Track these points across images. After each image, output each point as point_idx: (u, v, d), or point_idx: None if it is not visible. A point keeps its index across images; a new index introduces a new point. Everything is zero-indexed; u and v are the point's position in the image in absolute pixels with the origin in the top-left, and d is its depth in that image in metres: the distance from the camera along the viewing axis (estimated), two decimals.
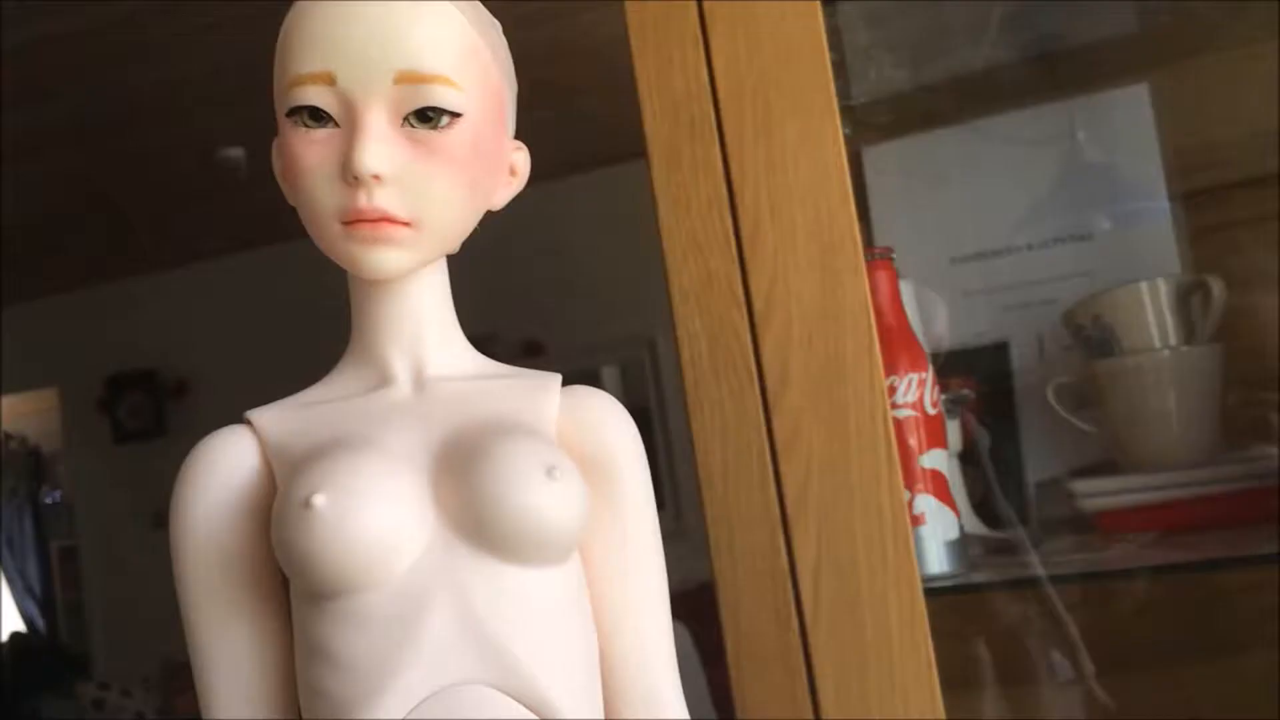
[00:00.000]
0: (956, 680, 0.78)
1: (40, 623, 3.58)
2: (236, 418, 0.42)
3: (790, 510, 0.67)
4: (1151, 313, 0.79)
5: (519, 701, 0.37)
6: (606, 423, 0.43)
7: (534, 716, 0.37)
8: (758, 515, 0.68)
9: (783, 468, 0.68)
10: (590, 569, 0.42)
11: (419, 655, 0.37)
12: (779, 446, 0.68)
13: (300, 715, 0.40)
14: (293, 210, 0.43)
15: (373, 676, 0.37)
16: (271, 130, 0.43)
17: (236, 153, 2.21)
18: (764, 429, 0.68)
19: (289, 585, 0.40)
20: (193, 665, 0.41)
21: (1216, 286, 0.79)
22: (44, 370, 3.13)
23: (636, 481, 0.43)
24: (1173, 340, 0.79)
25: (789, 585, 0.67)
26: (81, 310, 3.01)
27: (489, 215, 0.44)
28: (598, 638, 0.41)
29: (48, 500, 3.66)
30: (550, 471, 0.38)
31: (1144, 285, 0.81)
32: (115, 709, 2.81)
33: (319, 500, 0.36)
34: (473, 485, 0.38)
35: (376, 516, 0.37)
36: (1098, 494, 0.79)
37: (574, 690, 0.38)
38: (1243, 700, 0.87)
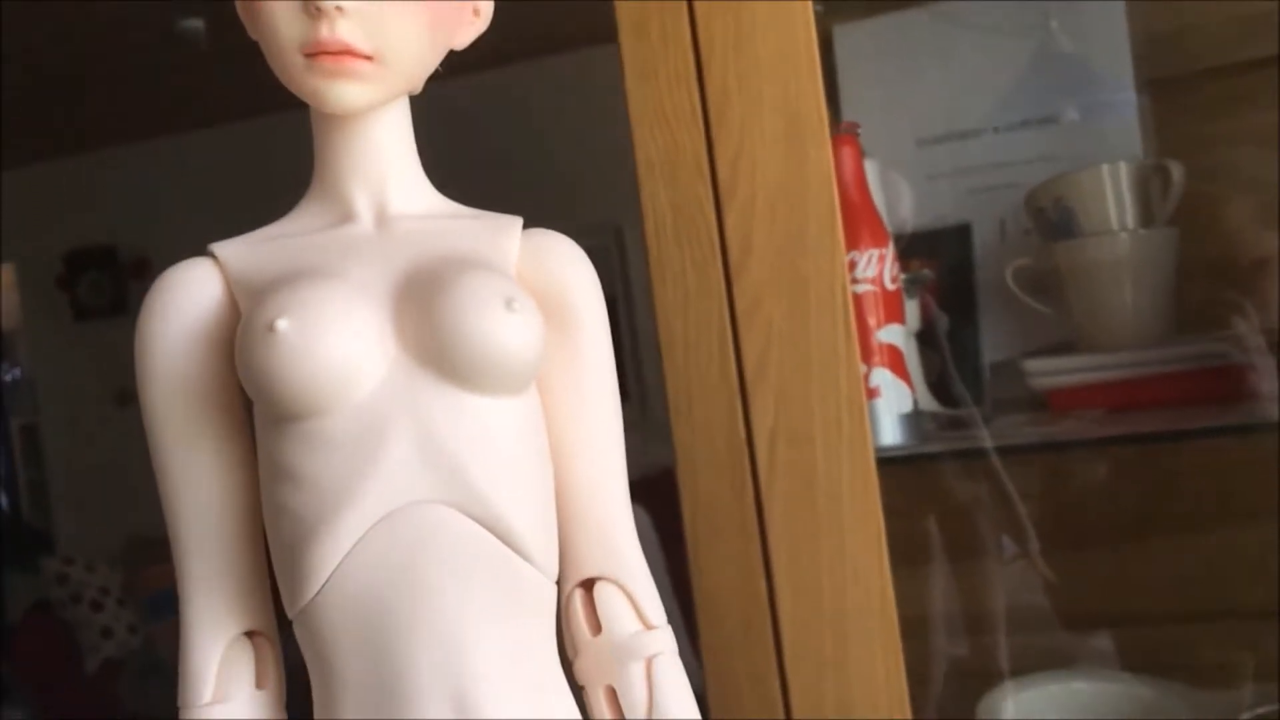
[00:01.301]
0: (907, 554, 0.80)
1: (3, 500, 3.58)
2: None
3: (749, 380, 0.69)
4: (1111, 196, 0.80)
5: (475, 521, 0.38)
6: (566, 264, 0.44)
7: (489, 534, 0.39)
8: (717, 385, 0.69)
9: (743, 338, 0.69)
10: (548, 405, 0.43)
11: (379, 475, 0.38)
12: (739, 317, 0.69)
13: (265, 535, 0.41)
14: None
15: (335, 494, 0.38)
16: None
17: (196, 24, 2.16)
18: (725, 300, 0.69)
19: (253, 411, 0.41)
20: (160, 492, 0.42)
21: (1176, 171, 0.80)
22: (1, 247, 3.08)
23: (595, 322, 0.43)
24: (1131, 223, 0.81)
25: (745, 454, 0.69)
26: (38, 186, 2.96)
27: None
28: (554, 471, 0.42)
29: (7, 378, 3.64)
30: (509, 303, 0.38)
31: (1105, 168, 0.81)
32: (79, 584, 2.83)
33: (282, 324, 0.37)
34: (432, 315, 0.38)
35: (338, 341, 0.38)
36: (1049, 373, 0.81)
37: (529, 515, 0.39)
38: (1194, 575, 0.90)
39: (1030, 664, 0.88)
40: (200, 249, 0.43)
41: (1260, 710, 0.79)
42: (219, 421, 0.41)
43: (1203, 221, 0.85)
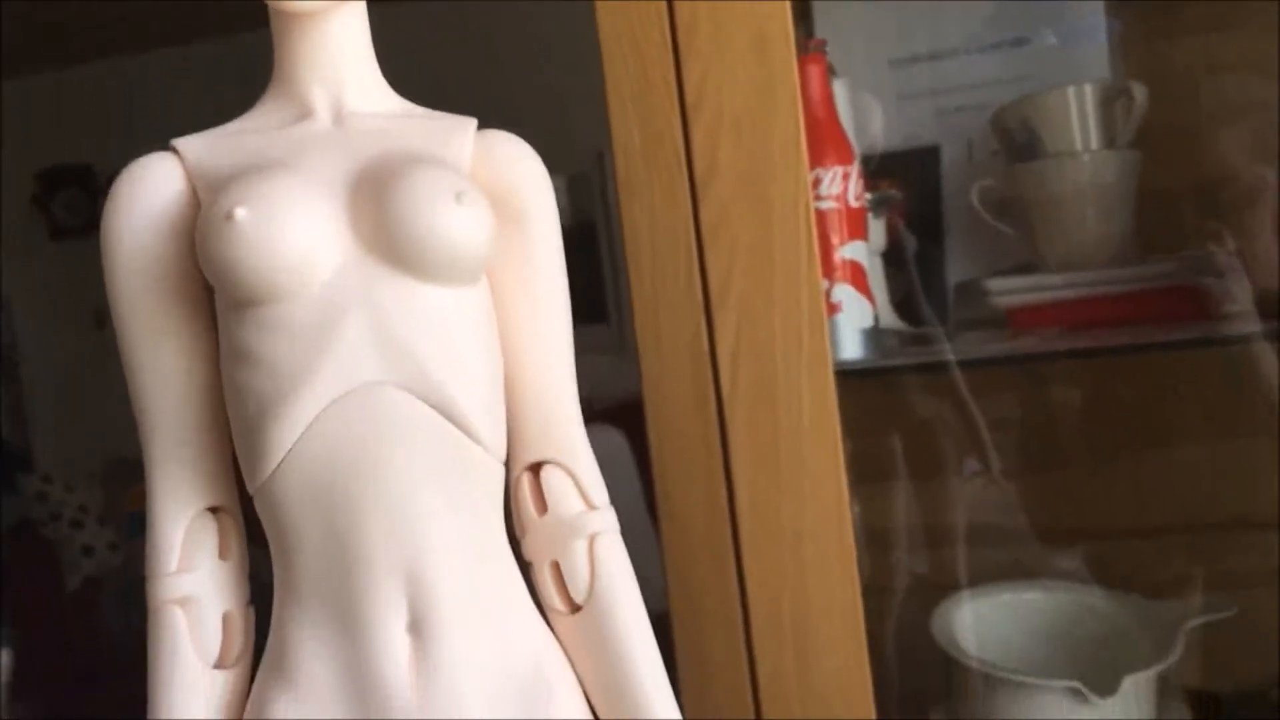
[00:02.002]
0: (869, 470, 0.82)
1: None
2: None
3: (713, 297, 0.70)
4: (1076, 117, 0.81)
5: (425, 403, 0.40)
6: (518, 164, 0.45)
7: (439, 415, 0.40)
8: (682, 301, 0.70)
9: (708, 256, 0.70)
10: (499, 298, 0.44)
11: (334, 357, 0.39)
12: (705, 235, 0.70)
13: (226, 418, 0.42)
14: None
15: (291, 375, 0.39)
16: None
17: None
18: (691, 218, 0.70)
19: (215, 299, 0.42)
20: (127, 377, 0.43)
21: (1139, 93, 0.81)
22: None
23: (545, 219, 0.45)
24: (1094, 145, 0.81)
25: (709, 369, 0.70)
26: (11, 102, 2.92)
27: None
28: (504, 361, 0.44)
29: None
30: (459, 196, 0.40)
31: (1070, 90, 0.82)
32: (58, 502, 2.84)
33: (240, 213, 0.38)
34: (385, 206, 0.40)
35: (295, 229, 0.39)
36: (1010, 291, 0.83)
37: (477, 399, 0.41)
38: (1150, 491, 0.93)
39: (988, 578, 0.91)
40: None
41: (1207, 617, 0.82)
42: (182, 310, 0.43)
43: (1166, 145, 0.86)
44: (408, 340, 0.40)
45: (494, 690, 0.41)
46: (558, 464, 0.45)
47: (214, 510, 0.44)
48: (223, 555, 0.44)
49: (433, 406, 0.40)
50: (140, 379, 0.43)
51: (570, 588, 0.44)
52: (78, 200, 3.05)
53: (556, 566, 0.44)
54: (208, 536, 0.44)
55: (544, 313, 0.45)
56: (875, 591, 0.74)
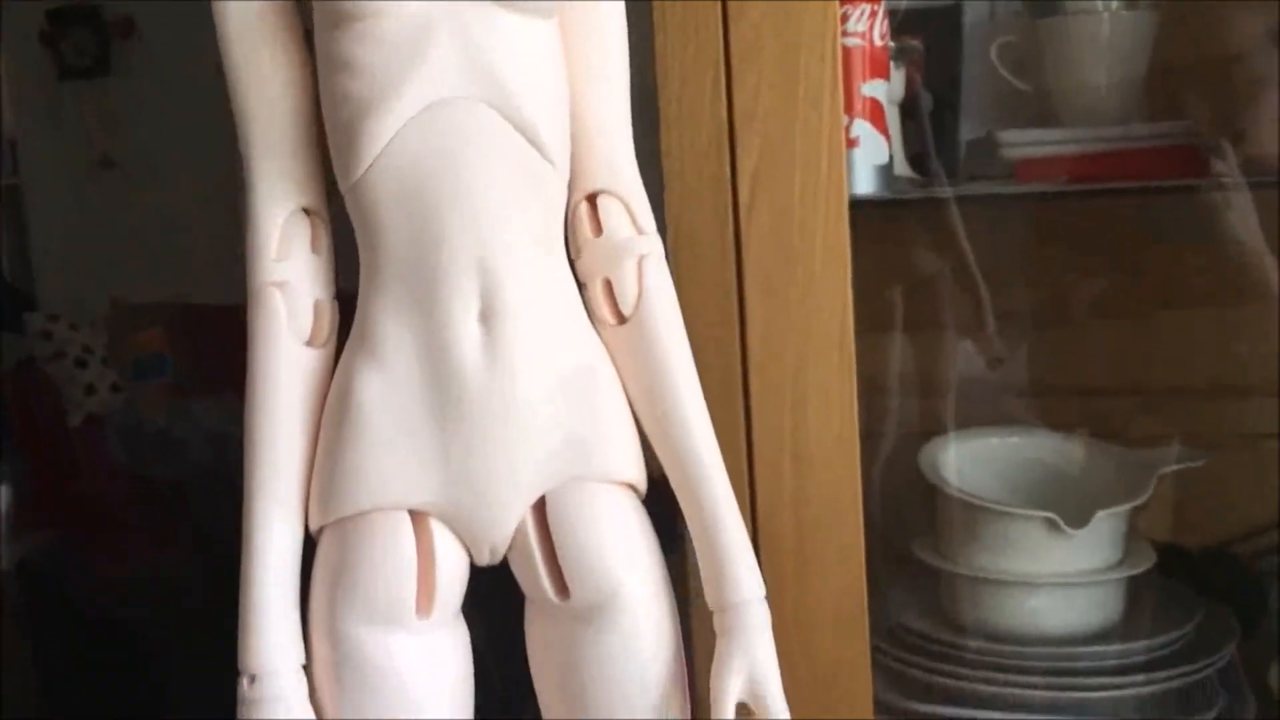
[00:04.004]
0: (871, 317, 0.85)
1: None
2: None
3: (737, 120, 0.73)
4: None
5: (505, 118, 0.44)
6: None
7: (517, 131, 0.44)
8: (707, 122, 0.73)
9: (735, 80, 0.72)
10: (568, 44, 0.48)
11: (425, 68, 0.44)
12: (734, 60, 0.72)
13: (320, 127, 0.46)
14: None
15: (385, 82, 0.44)
16: None
17: None
18: (722, 42, 0.72)
19: (313, 15, 0.46)
20: (230, 91, 0.47)
21: None
22: None
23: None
24: (1114, 4, 0.84)
25: (729, 188, 0.73)
26: None
27: None
28: (570, 101, 0.48)
29: None
30: None
31: None
32: (63, 340, 2.87)
33: None
34: None
35: None
36: (1019, 144, 0.86)
37: (549, 120, 0.46)
38: (1139, 352, 0.97)
39: (976, 424, 0.95)
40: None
41: (1180, 465, 0.87)
42: (282, 25, 0.46)
43: (1189, 14, 0.88)
44: (491, 60, 0.44)
45: (552, 383, 0.46)
46: (613, 193, 0.49)
47: (306, 212, 0.48)
48: (314, 250, 0.48)
49: (510, 121, 0.44)
50: (242, 89, 0.47)
51: (619, 302, 0.49)
52: (85, 41, 3.03)
53: (608, 283, 0.49)
54: (301, 231, 0.48)
55: (607, 58, 0.49)
56: (865, 436, 0.78)
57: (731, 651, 0.46)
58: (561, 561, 0.46)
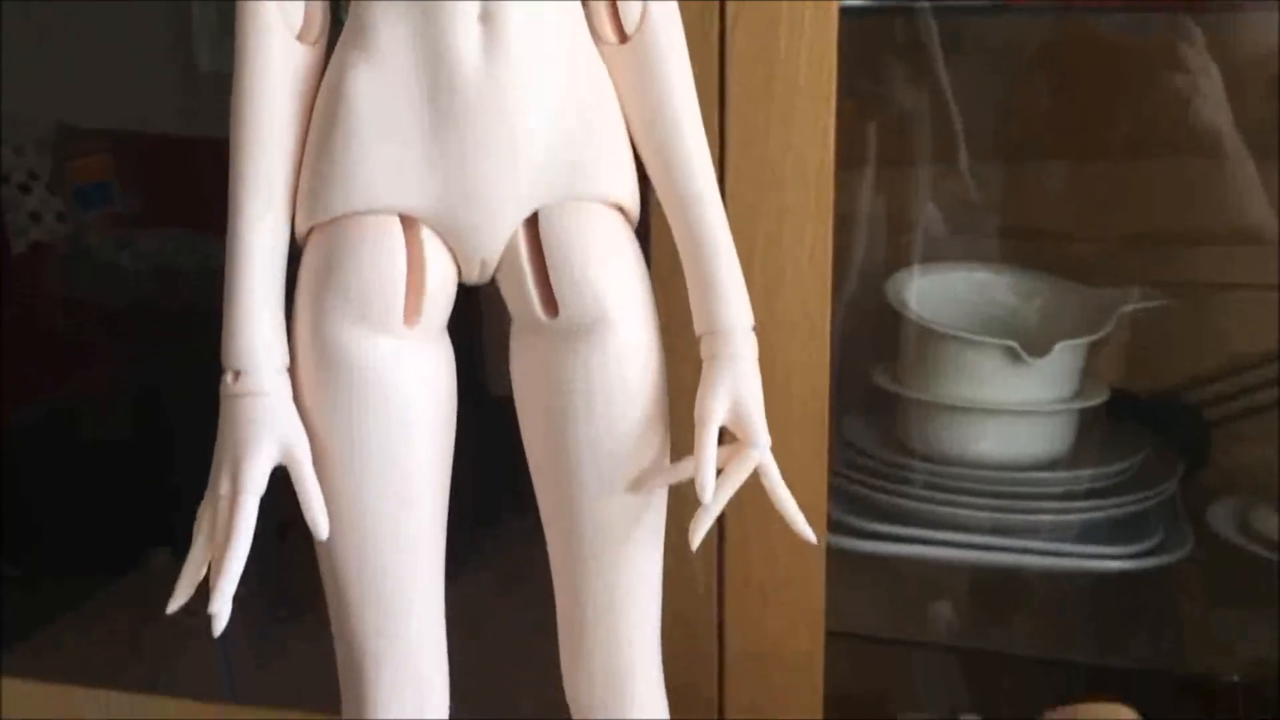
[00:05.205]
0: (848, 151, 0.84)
1: None
2: None
3: None
4: None
5: None
6: None
7: None
8: None
9: None
10: None
11: None
12: None
13: None
14: None
15: None
16: None
17: None
18: None
19: None
20: None
21: None
22: None
23: None
24: None
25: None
26: None
27: None
28: None
29: None
30: None
31: None
32: (8, 166, 2.80)
33: None
34: None
35: None
36: None
37: None
38: (1111, 197, 0.97)
39: (944, 259, 0.96)
40: None
41: (1141, 304, 0.88)
42: None
43: None
44: None
45: (551, 95, 0.45)
46: None
47: None
48: None
49: None
50: None
51: (623, 19, 0.47)
52: None
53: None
54: None
55: None
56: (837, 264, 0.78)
57: (718, 376, 0.46)
58: (552, 277, 0.45)
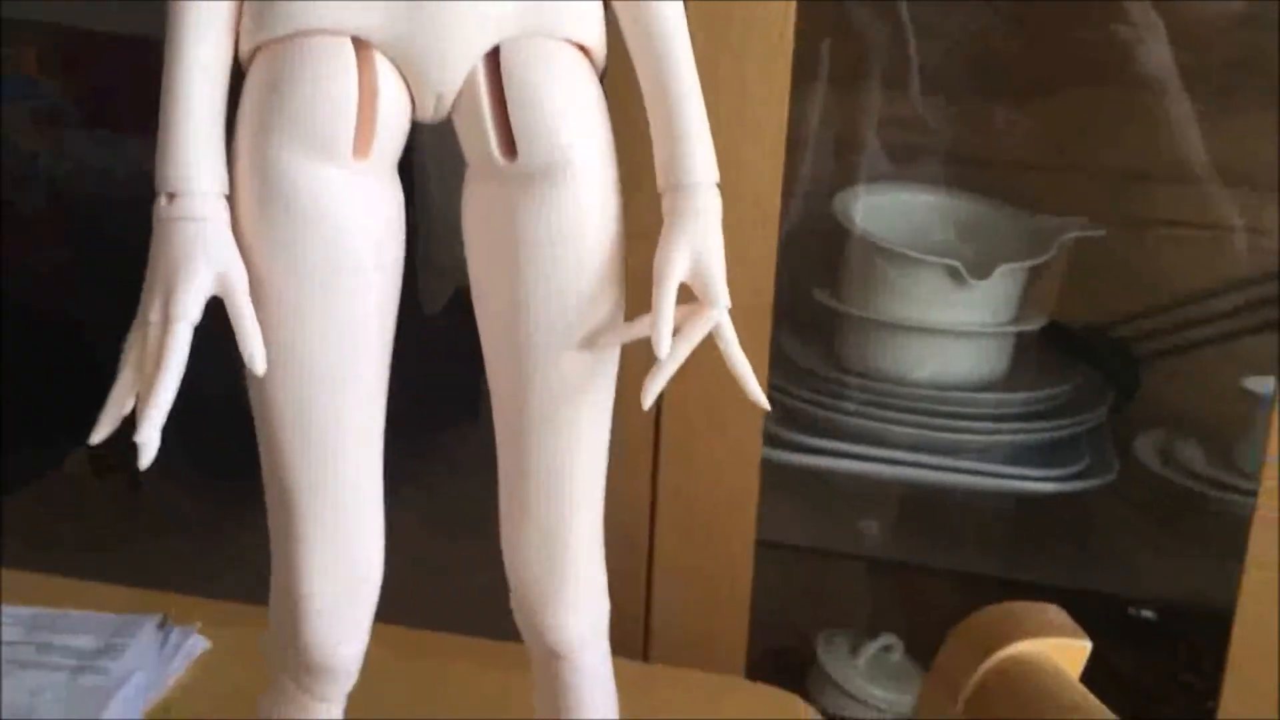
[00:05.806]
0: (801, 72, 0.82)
1: None
2: None
3: None
4: None
5: None
6: None
7: None
8: None
9: None
10: None
11: None
12: None
13: None
14: None
15: None
16: None
17: None
18: None
19: None
20: None
21: None
22: None
23: None
24: None
25: None
26: None
27: None
28: None
29: None
30: None
31: None
32: None
33: None
34: None
35: None
36: None
37: None
38: (1058, 131, 0.97)
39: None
40: None
41: (1081, 232, 0.89)
42: None
43: None
44: None
45: None
46: None
47: None
48: None
49: None
50: None
51: None
52: None
53: None
54: None
55: None
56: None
57: (680, 230, 0.44)
58: (512, 116, 0.43)
